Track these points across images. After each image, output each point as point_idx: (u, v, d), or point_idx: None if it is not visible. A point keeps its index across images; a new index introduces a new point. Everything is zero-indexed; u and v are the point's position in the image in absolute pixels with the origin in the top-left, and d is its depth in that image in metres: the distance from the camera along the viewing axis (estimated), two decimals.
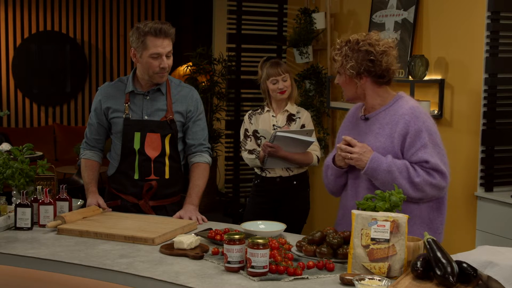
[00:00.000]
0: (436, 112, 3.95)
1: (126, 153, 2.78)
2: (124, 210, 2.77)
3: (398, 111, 2.34)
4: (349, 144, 2.36)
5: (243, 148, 3.62)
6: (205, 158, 2.86)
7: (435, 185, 2.29)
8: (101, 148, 2.92)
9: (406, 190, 2.27)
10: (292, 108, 3.58)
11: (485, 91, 3.69)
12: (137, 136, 2.76)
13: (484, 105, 3.70)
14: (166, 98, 2.81)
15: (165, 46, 2.69)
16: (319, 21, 5.08)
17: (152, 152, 2.77)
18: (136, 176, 2.79)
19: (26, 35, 7.59)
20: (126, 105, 2.77)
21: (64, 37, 7.77)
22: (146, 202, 2.79)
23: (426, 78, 3.98)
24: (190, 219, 2.61)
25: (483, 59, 3.67)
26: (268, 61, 3.58)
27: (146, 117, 2.77)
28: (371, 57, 2.31)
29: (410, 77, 3.97)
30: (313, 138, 3.41)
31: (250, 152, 3.55)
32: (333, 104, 4.93)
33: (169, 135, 2.79)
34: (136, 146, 2.76)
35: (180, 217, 2.64)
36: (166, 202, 2.84)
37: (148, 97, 2.79)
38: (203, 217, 2.65)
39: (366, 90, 2.38)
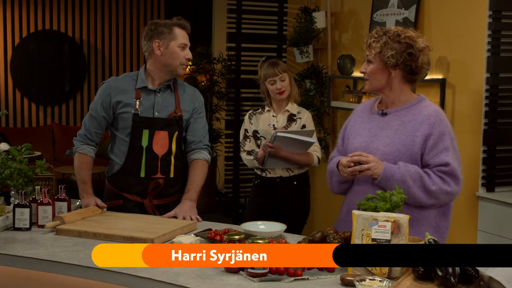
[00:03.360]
0: None
1: (134, 150, 2.76)
2: (126, 210, 2.75)
3: (422, 112, 2.35)
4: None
5: (242, 149, 3.61)
6: (204, 155, 2.86)
7: (449, 193, 2.30)
8: (98, 142, 2.88)
9: (420, 198, 2.28)
10: (293, 108, 3.57)
11: (486, 90, 3.68)
12: (146, 133, 2.74)
13: (486, 104, 3.69)
14: (174, 95, 2.81)
15: (188, 39, 2.80)
16: (320, 20, 5.07)
17: (160, 150, 2.77)
18: (142, 174, 2.77)
19: (24, 34, 7.58)
20: (138, 101, 2.75)
21: (63, 36, 7.76)
22: (151, 201, 2.78)
23: (427, 77, 3.96)
24: (184, 218, 2.60)
25: (484, 59, 3.66)
26: (267, 61, 3.57)
27: (156, 113, 2.76)
28: (411, 51, 2.31)
29: None
30: (313, 139, 3.39)
31: (249, 153, 3.54)
32: (334, 103, 4.92)
33: (176, 132, 2.79)
34: (144, 143, 2.75)
35: (174, 216, 2.63)
36: (168, 200, 2.84)
37: (159, 94, 2.79)
38: (198, 216, 2.64)
39: (394, 83, 2.37)
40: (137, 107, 2.74)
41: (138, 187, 2.78)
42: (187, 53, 2.77)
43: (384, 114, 2.42)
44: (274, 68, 3.49)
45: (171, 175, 2.82)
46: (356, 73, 4.73)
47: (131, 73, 2.87)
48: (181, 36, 2.75)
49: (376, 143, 2.38)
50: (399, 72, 2.35)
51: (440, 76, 3.97)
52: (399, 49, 2.31)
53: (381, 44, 2.33)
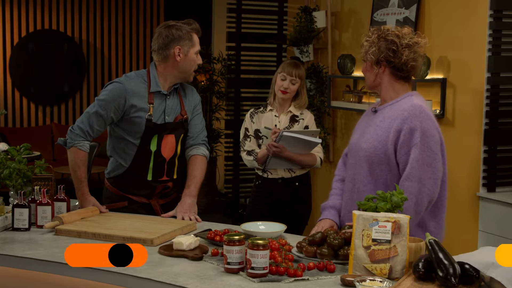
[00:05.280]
0: (438, 111, 3.93)
1: (142, 154, 2.73)
2: (131, 211, 2.73)
3: (401, 107, 2.33)
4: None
5: (241, 149, 3.59)
6: (202, 150, 2.86)
7: (413, 200, 2.22)
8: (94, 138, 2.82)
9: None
10: (295, 109, 3.55)
11: (487, 90, 3.67)
12: (155, 138, 2.73)
13: (487, 104, 3.68)
14: (178, 97, 2.81)
15: None
16: (320, 19, 5.06)
17: (167, 154, 2.77)
18: (149, 177, 2.76)
19: (23, 33, 7.56)
20: (151, 106, 2.71)
21: (62, 35, 7.74)
22: (157, 201, 2.78)
23: (428, 77, 3.96)
24: (183, 218, 2.60)
25: (485, 58, 3.65)
26: (293, 59, 3.59)
27: (167, 118, 2.74)
28: (393, 47, 2.31)
29: None
30: (319, 139, 3.38)
31: (249, 153, 3.52)
32: (334, 103, 4.91)
33: (182, 135, 2.79)
34: (153, 148, 2.73)
35: (174, 216, 2.63)
36: (170, 199, 2.85)
37: (169, 97, 2.77)
38: (197, 217, 2.63)
39: (382, 80, 2.38)
40: (150, 112, 2.70)
41: (144, 190, 2.77)
42: (200, 59, 2.77)
43: (375, 111, 2.44)
44: (293, 68, 3.46)
45: (175, 176, 2.83)
46: (357, 73, 4.72)
47: (140, 73, 2.78)
48: (197, 42, 2.75)
49: (361, 141, 2.40)
50: (385, 69, 2.35)
51: (440, 76, 3.96)
52: (382, 46, 2.32)
53: (369, 43, 2.36)
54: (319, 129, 3.46)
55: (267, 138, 3.49)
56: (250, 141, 3.55)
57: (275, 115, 3.54)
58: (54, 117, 7.82)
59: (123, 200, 2.79)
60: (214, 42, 7.35)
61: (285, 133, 3.30)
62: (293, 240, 2.29)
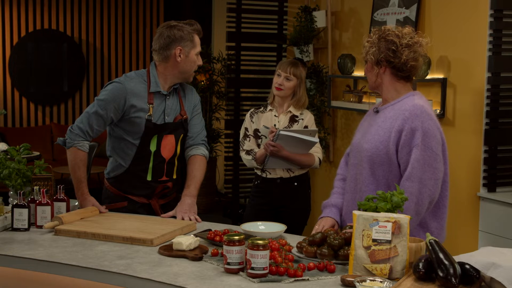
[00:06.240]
0: (438, 111, 3.92)
1: (142, 154, 2.73)
2: (131, 212, 2.73)
3: (402, 107, 2.33)
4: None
5: (241, 148, 3.59)
6: (202, 150, 2.86)
7: (413, 200, 2.22)
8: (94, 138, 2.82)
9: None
10: (295, 109, 3.54)
11: (487, 90, 3.67)
12: (155, 138, 2.73)
13: (487, 104, 3.67)
14: (178, 97, 2.81)
15: None
16: (320, 19, 5.06)
17: (167, 154, 2.76)
18: (149, 178, 2.76)
19: (23, 33, 7.56)
20: (151, 106, 2.71)
21: (62, 35, 7.74)
22: (157, 202, 2.78)
23: (428, 77, 3.96)
24: (183, 219, 2.60)
25: (485, 58, 3.64)
26: (293, 59, 3.58)
27: (166, 118, 2.74)
28: (393, 47, 2.31)
29: None
30: (316, 139, 3.37)
31: (248, 152, 3.52)
32: (334, 103, 4.90)
33: (181, 135, 2.79)
34: (153, 148, 2.73)
35: (173, 216, 2.63)
36: (169, 199, 2.85)
37: (169, 98, 2.77)
38: (197, 217, 2.63)
39: (383, 81, 2.38)
40: (150, 112, 2.70)
41: (144, 190, 2.77)
42: (200, 60, 2.78)
43: (377, 111, 2.44)
44: (288, 65, 3.46)
45: (174, 177, 2.83)
46: (357, 73, 4.72)
47: (140, 72, 2.78)
48: (198, 44, 2.75)
49: (363, 141, 2.40)
50: (386, 69, 2.35)
51: (441, 76, 3.96)
52: (382, 46, 2.32)
53: (370, 43, 2.36)
54: (317, 129, 3.45)
55: (266, 137, 3.49)
56: (249, 140, 3.55)
57: (275, 115, 3.54)
58: (53, 117, 7.82)
59: (123, 200, 2.79)
60: (214, 42, 7.35)
61: (282, 132, 3.29)
62: (293, 240, 2.29)
